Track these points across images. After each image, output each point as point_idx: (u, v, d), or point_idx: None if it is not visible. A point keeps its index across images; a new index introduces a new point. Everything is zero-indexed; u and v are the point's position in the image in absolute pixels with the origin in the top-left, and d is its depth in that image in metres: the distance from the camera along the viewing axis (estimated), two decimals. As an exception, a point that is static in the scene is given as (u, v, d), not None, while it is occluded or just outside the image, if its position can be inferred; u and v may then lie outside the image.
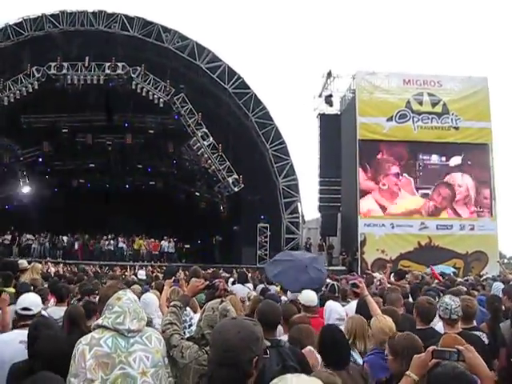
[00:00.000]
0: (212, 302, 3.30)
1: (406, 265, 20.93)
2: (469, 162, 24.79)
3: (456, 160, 24.76)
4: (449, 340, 3.40)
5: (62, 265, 18.06)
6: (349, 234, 25.64)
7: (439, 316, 4.85)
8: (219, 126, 25.10)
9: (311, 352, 4.03)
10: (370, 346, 4.52)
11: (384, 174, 24.57)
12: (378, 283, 9.42)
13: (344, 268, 23.36)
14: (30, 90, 23.56)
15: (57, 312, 5.41)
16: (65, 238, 27.32)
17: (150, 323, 3.75)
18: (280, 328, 4.60)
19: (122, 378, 2.82)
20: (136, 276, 13.27)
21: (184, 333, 3.54)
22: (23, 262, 9.82)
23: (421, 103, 24.84)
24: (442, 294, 6.45)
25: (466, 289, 8.20)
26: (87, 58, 23.68)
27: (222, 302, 3.26)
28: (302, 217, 26.23)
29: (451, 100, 24.92)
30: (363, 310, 5.38)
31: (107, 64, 23.62)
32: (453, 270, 18.94)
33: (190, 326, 5.36)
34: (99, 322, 3.02)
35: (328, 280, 8.97)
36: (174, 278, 6.97)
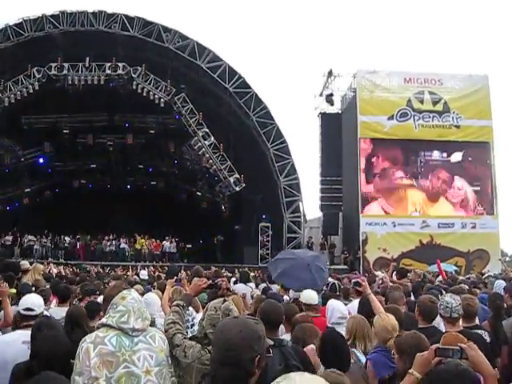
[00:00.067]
0: (214, 301, 3.30)
1: (407, 263, 20.93)
2: (469, 159, 24.76)
3: (457, 156, 24.74)
4: (450, 338, 3.39)
5: (63, 266, 18.07)
6: (350, 233, 25.64)
7: (440, 315, 4.85)
8: (220, 125, 25.10)
9: (312, 350, 4.03)
10: (370, 347, 4.52)
11: (387, 179, 24.57)
12: (380, 282, 9.41)
13: (346, 267, 23.36)
14: (31, 91, 23.58)
15: (58, 312, 5.41)
16: (67, 239, 27.36)
17: (153, 323, 3.75)
18: (282, 327, 4.60)
19: (127, 376, 2.83)
20: (138, 276, 13.29)
21: (186, 332, 3.54)
22: (25, 263, 9.83)
23: (422, 102, 24.83)
24: (444, 293, 6.44)
25: (467, 287, 8.19)
26: (88, 58, 23.70)
27: (225, 301, 3.25)
28: (304, 216, 26.24)
29: (452, 98, 24.91)
30: (365, 308, 5.38)
31: (108, 64, 23.63)
32: (455, 268, 18.97)
33: (193, 325, 5.36)
34: (103, 320, 3.04)
35: (330, 279, 8.98)
36: (175, 277, 6.98)
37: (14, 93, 23.40)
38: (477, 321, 5.58)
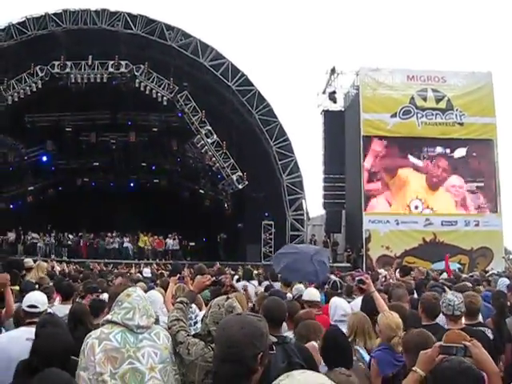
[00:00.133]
0: (218, 298, 3.30)
1: (410, 261, 20.86)
2: (474, 154, 24.70)
3: (460, 152, 24.68)
4: (452, 336, 3.39)
5: (66, 263, 18.11)
6: (353, 231, 25.63)
7: (442, 312, 4.85)
8: (223, 123, 25.10)
9: (314, 347, 4.04)
10: (370, 344, 4.52)
11: (390, 173, 24.54)
12: (383, 279, 9.42)
13: (349, 265, 23.38)
14: (34, 89, 23.59)
15: (61, 310, 5.42)
16: (70, 236, 27.42)
17: (157, 321, 3.76)
18: (284, 325, 4.60)
19: (131, 372, 2.85)
20: (141, 274, 13.29)
21: (189, 330, 3.54)
22: (29, 261, 9.84)
23: (425, 99, 24.78)
24: (447, 290, 6.44)
25: (471, 285, 8.18)
26: (90, 56, 23.71)
27: (228, 298, 3.26)
28: (307, 214, 26.24)
29: (455, 96, 24.85)
30: (368, 306, 5.38)
31: (110, 62, 23.63)
32: (458, 266, 18.93)
33: (196, 323, 5.36)
34: (108, 317, 3.06)
35: (332, 277, 8.98)
36: (179, 275, 6.98)
37: (17, 91, 23.42)
38: (480, 318, 5.58)
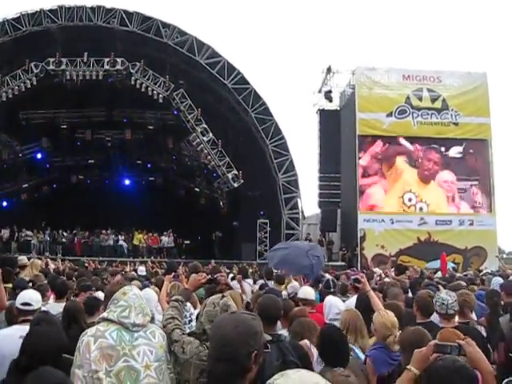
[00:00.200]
0: (213, 297, 3.30)
1: (405, 260, 20.94)
2: (468, 154, 24.77)
3: (455, 151, 24.75)
4: (446, 334, 3.41)
5: (61, 261, 18.03)
6: (348, 230, 25.68)
7: (436, 311, 4.86)
8: (219, 121, 25.06)
9: (306, 345, 4.05)
10: (361, 342, 4.52)
11: (388, 163, 24.62)
12: (378, 278, 9.45)
13: (344, 263, 23.43)
14: (29, 86, 23.44)
15: (55, 308, 5.41)
16: (64, 234, 27.34)
17: (152, 319, 3.77)
18: (278, 323, 4.60)
19: (126, 370, 2.86)
20: (136, 272, 13.27)
21: (184, 328, 3.53)
22: (23, 259, 9.83)
23: (420, 99, 24.84)
24: (442, 289, 6.47)
25: (465, 284, 8.22)
26: (86, 53, 23.59)
27: (223, 297, 3.25)
28: (302, 212, 26.23)
29: (451, 96, 24.93)
30: (363, 304, 5.39)
31: (106, 59, 23.53)
32: (452, 265, 19.01)
33: (190, 321, 5.36)
34: (104, 315, 3.08)
35: (327, 275, 9.00)
36: (174, 273, 6.97)
37: (12, 88, 23.29)
38: (474, 317, 5.60)
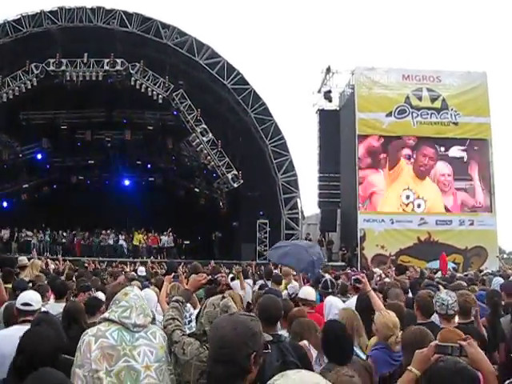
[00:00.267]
0: (213, 298, 3.29)
1: (405, 260, 20.94)
2: (470, 151, 24.75)
3: (455, 150, 24.74)
4: (447, 334, 3.39)
5: (61, 261, 18.01)
6: (348, 230, 25.67)
7: (436, 311, 4.85)
8: (218, 121, 25.06)
9: (306, 346, 4.04)
10: (357, 341, 4.52)
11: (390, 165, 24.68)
12: (378, 278, 9.44)
13: (344, 263, 23.41)
14: (29, 87, 23.47)
15: (55, 308, 5.40)
16: (64, 234, 27.34)
17: (153, 320, 3.77)
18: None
19: (126, 370, 2.87)
20: (136, 272, 13.26)
21: (185, 329, 3.53)
22: (23, 259, 9.81)
23: (420, 99, 24.83)
24: (442, 289, 6.45)
25: (465, 284, 8.21)
26: (86, 54, 23.60)
27: (224, 298, 3.25)
28: (302, 212, 26.22)
29: (450, 95, 24.92)
30: (364, 305, 5.38)
31: (106, 60, 23.53)
32: (453, 265, 19.02)
33: (190, 321, 5.36)
34: (106, 315, 3.08)
35: (327, 276, 8.99)
36: (174, 273, 6.96)
37: (12, 88, 23.30)
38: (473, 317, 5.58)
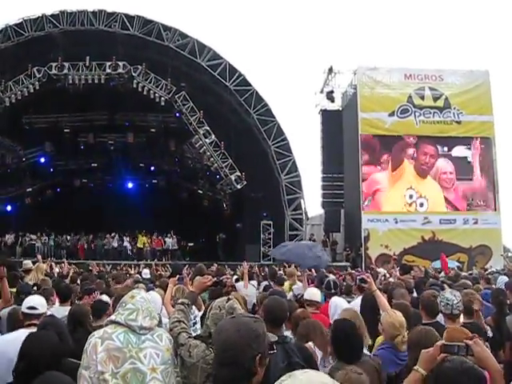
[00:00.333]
0: (218, 300, 3.30)
1: (409, 260, 20.91)
2: (472, 152, 24.69)
3: (459, 148, 24.70)
4: (453, 333, 3.39)
5: (66, 264, 18.03)
6: (352, 230, 25.64)
7: (440, 311, 4.84)
8: (221, 123, 25.06)
9: (311, 347, 4.03)
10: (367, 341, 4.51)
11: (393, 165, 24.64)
12: (383, 278, 9.41)
13: (348, 264, 23.37)
14: (32, 91, 23.53)
15: (60, 311, 5.40)
16: (68, 238, 27.38)
17: (160, 322, 3.78)
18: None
19: (132, 372, 2.87)
20: (140, 275, 13.26)
21: (191, 331, 3.53)
22: (28, 263, 9.84)
23: (422, 98, 24.80)
24: (447, 288, 6.43)
25: (470, 283, 8.18)
26: (88, 57, 23.63)
27: (229, 300, 3.24)
28: (306, 213, 26.20)
29: (453, 94, 24.88)
30: (369, 305, 5.38)
31: (108, 63, 23.56)
32: (457, 264, 18.95)
33: (195, 323, 5.35)
34: (112, 317, 3.10)
35: (331, 276, 8.98)
36: (178, 276, 6.95)
37: (15, 93, 23.36)
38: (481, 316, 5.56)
